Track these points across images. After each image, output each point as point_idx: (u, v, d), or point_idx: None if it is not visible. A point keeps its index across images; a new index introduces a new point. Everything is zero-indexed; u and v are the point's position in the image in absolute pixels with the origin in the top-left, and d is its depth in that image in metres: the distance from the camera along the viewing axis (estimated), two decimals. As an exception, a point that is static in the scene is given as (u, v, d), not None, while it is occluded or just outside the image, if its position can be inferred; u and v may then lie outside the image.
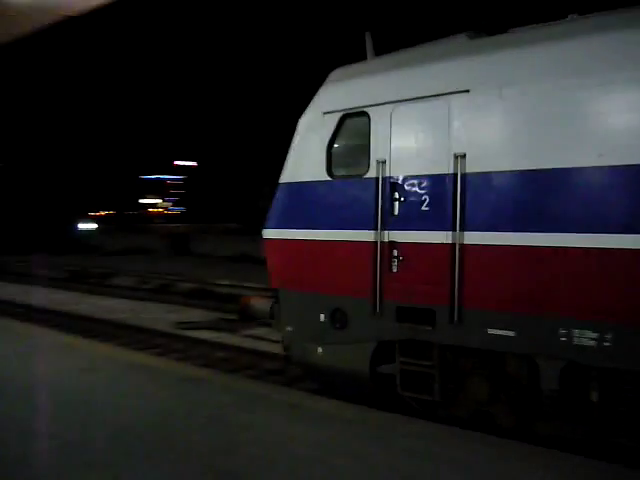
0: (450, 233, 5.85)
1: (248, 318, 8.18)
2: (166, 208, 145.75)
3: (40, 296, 18.29)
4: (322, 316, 6.80)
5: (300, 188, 7.21)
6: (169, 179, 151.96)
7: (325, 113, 6.99)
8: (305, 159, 7.16)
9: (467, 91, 5.92)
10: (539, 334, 5.34)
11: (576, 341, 5.15)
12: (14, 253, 38.00)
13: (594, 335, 5.07)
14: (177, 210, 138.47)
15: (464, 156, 5.83)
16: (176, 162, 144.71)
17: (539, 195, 5.44)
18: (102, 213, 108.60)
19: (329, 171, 6.90)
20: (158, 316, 13.74)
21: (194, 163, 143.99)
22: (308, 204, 7.09)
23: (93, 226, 57.98)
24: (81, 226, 54.41)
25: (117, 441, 5.10)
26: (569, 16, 5.87)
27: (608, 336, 4.98)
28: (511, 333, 5.47)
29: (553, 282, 5.31)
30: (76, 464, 4.61)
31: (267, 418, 5.77)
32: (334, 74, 7.25)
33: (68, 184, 56.85)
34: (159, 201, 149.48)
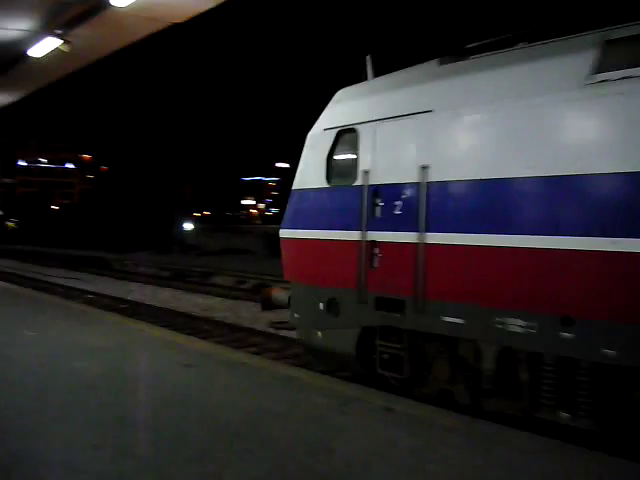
0: (416, 234, 6.73)
1: (270, 307, 9.13)
2: (264, 209, 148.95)
3: (147, 293, 19.15)
4: (321, 305, 7.82)
5: (306, 194, 8.33)
6: (268, 181, 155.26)
7: (325, 129, 8.04)
8: (310, 169, 8.25)
9: (431, 111, 6.79)
10: (480, 322, 6.15)
11: (508, 328, 5.91)
12: (120, 251, 39.95)
13: (522, 323, 5.83)
14: (273, 211, 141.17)
15: (428, 167, 6.68)
16: (277, 164, 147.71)
17: (484, 201, 6.25)
18: (202, 214, 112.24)
19: (328, 179, 7.90)
20: (255, 315, 13.99)
21: (288, 165, 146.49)
22: (311, 208, 8.21)
23: (190, 226, 60.00)
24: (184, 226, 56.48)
25: (216, 437, 5.19)
26: (520, 44, 6.61)
27: (533, 324, 5.75)
28: (461, 321, 6.30)
29: (489, 277, 6.17)
30: (177, 458, 4.73)
31: (362, 421, 5.71)
32: (337, 95, 8.26)
33: (173, 185, 59.17)
34: (257, 202, 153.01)
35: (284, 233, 8.56)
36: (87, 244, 48.17)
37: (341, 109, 8.07)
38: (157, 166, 69.32)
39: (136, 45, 11.56)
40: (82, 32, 10.20)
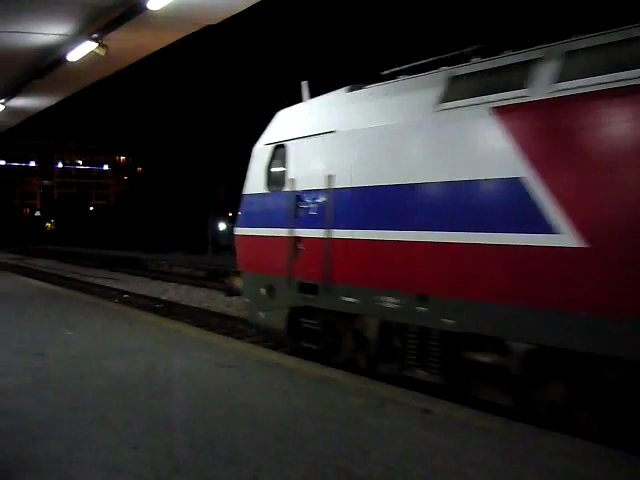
0: (324, 230, 8.24)
1: (232, 294, 11.31)
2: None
3: (182, 292, 19.33)
4: (262, 290, 9.39)
5: (251, 198, 9.94)
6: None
7: (265, 144, 9.64)
8: (254, 177, 9.82)
9: (334, 131, 8.32)
10: (367, 301, 7.62)
11: (385, 305, 7.40)
12: (155, 252, 40.44)
13: (393, 301, 7.29)
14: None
15: (333, 176, 8.18)
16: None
17: (368, 204, 7.71)
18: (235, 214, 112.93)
19: (267, 186, 9.50)
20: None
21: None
22: (255, 210, 9.82)
23: (224, 226, 60.37)
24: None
25: (252, 438, 5.19)
26: (400, 77, 7.98)
27: (399, 301, 7.21)
28: (355, 300, 7.81)
29: (371, 264, 7.65)
30: (214, 459, 4.74)
31: (399, 423, 5.65)
32: (277, 115, 9.79)
33: (207, 186, 59.59)
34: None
35: (237, 231, 10.31)
36: (123, 244, 48.91)
37: (277, 128, 9.64)
38: (191, 167, 70.03)
39: (172, 46, 11.65)
40: (118, 35, 10.29)
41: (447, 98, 6.97)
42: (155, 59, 12.98)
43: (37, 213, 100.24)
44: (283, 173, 9.16)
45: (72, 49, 11.12)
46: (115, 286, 21.53)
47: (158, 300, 17.47)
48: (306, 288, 8.56)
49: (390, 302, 7.34)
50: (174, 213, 59.08)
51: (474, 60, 7.10)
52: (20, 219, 60.55)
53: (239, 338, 10.99)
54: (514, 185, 6.16)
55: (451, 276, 6.70)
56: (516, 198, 6.15)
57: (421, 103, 7.25)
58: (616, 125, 5.53)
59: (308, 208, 8.62)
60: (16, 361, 7.89)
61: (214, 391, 6.64)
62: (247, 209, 10.06)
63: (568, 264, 5.74)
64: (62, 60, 11.87)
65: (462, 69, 7.10)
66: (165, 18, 9.53)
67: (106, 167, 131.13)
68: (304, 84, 9.56)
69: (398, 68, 8.15)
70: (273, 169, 9.44)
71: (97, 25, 10.11)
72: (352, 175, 7.95)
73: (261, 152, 9.72)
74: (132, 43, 11.25)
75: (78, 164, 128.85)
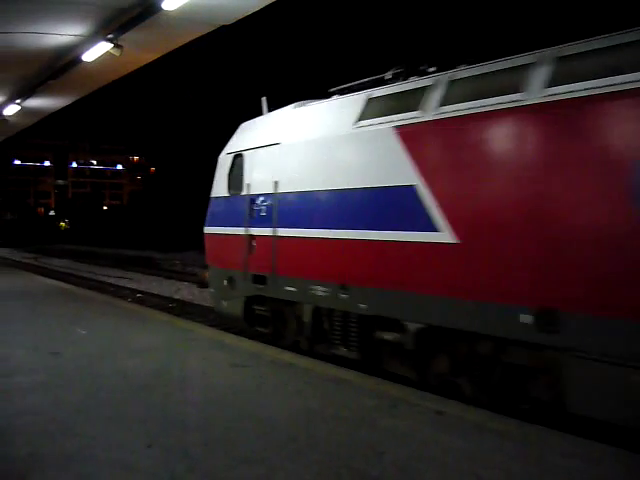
0: (271, 229, 9.46)
1: (204, 286, 12.29)
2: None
3: (195, 292, 19.37)
4: (225, 282, 10.65)
5: (216, 201, 11.21)
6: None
7: (227, 153, 10.90)
8: (219, 181, 11.08)
9: (279, 143, 9.53)
10: (303, 290, 8.80)
11: (316, 293, 8.57)
12: (169, 251, 40.59)
13: (322, 289, 8.48)
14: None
15: (278, 182, 9.37)
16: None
17: (304, 206, 8.88)
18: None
19: (228, 190, 10.73)
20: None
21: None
22: (219, 211, 11.06)
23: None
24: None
25: (266, 438, 5.20)
26: (334, 96, 9.31)
27: (327, 289, 8.40)
28: (294, 289, 8.98)
29: (305, 258, 8.84)
30: (228, 459, 4.75)
31: (412, 424, 5.64)
32: (239, 127, 11.09)
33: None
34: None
35: (205, 230, 11.53)
36: (136, 244, 49.15)
37: (237, 139, 10.91)
38: (204, 166, 70.31)
39: (186, 46, 11.71)
40: (133, 36, 10.35)
41: (363, 117, 8.18)
42: (169, 59, 13.05)
43: (51, 212, 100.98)
44: (241, 179, 10.39)
45: (87, 50, 11.21)
46: (129, 285, 21.65)
47: (171, 299, 17.55)
48: (258, 279, 9.79)
49: (320, 291, 8.55)
50: (187, 213, 59.30)
51: (388, 84, 8.33)
52: (35, 218, 61.06)
53: (251, 338, 10.99)
54: (409, 191, 7.28)
55: (363, 268, 7.95)
56: (410, 202, 7.25)
57: (344, 120, 8.46)
58: (481, 145, 6.66)
59: (259, 210, 9.87)
60: (31, 359, 7.96)
61: (228, 391, 6.65)
62: (213, 210, 11.37)
63: (446, 257, 6.86)
64: (77, 61, 11.97)
65: (376, 92, 8.29)
66: (180, 19, 9.58)
67: (120, 167, 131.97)
68: (263, 99, 10.92)
69: (340, 87, 9.32)
70: (233, 175, 10.67)
71: (112, 26, 10.18)
72: (291, 181, 9.20)
73: (224, 160, 11.02)
74: (147, 44, 11.33)
75: (92, 164, 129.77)
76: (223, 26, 10.14)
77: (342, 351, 8.48)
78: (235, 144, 10.85)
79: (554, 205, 5.94)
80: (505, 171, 6.41)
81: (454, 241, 6.74)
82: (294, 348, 9.21)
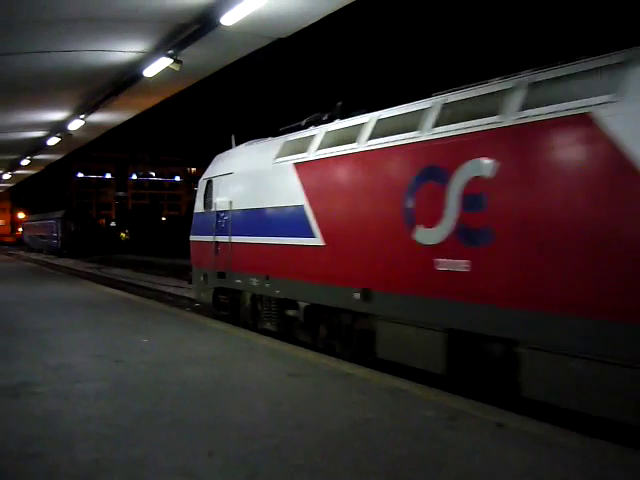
0: (227, 237, 12.60)
1: (190, 283, 15.55)
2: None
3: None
4: (201, 278, 14.13)
5: (197, 215, 14.57)
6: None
7: (203, 179, 14.19)
8: (198, 200, 14.47)
9: (232, 172, 12.79)
10: (245, 282, 11.85)
11: (252, 284, 11.58)
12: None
13: (255, 281, 11.46)
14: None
15: (232, 202, 12.51)
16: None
17: (248, 220, 11.85)
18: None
19: (203, 207, 14.09)
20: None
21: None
22: (198, 223, 14.44)
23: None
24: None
25: (324, 448, 5.20)
26: (269, 137, 12.53)
27: (258, 280, 11.36)
28: (241, 281, 12.09)
29: (246, 258, 11.91)
30: (287, 467, 4.77)
31: (472, 436, 5.55)
32: (214, 158, 14.29)
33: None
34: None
35: (191, 238, 14.81)
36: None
37: (210, 168, 14.17)
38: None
39: (243, 59, 11.93)
40: (192, 51, 10.61)
41: (279, 155, 11.09)
42: (225, 72, 13.29)
43: (112, 223, 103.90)
44: (211, 199, 13.60)
45: (148, 65, 11.54)
46: (186, 295, 22.01)
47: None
48: (220, 275, 12.95)
49: (255, 282, 11.54)
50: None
51: (302, 130, 11.16)
52: (97, 229, 62.83)
53: (307, 348, 11.03)
54: (300, 210, 10.17)
55: (277, 264, 10.88)
56: (301, 217, 10.10)
57: (269, 157, 11.40)
58: (333, 178, 9.68)
59: (221, 222, 12.98)
60: (96, 367, 8.20)
61: (286, 400, 6.70)
62: (195, 223, 14.71)
63: (318, 255, 9.75)
64: (139, 76, 12.33)
65: (289, 137, 11.23)
66: (237, 33, 9.76)
67: (177, 178, 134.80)
68: (232, 137, 14.11)
69: (284, 127, 11.94)
70: (206, 196, 13.92)
71: (172, 42, 10.46)
72: (239, 201, 12.32)
73: (201, 184, 14.32)
74: (205, 58, 11.58)
75: (151, 176, 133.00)
76: (280, 39, 10.28)
77: (268, 325, 11.55)
78: (208, 172, 14.16)
79: (366, 221, 8.88)
80: (344, 197, 9.39)
81: (322, 244, 9.73)
82: (252, 328, 11.93)
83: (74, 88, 14.31)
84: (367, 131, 9.05)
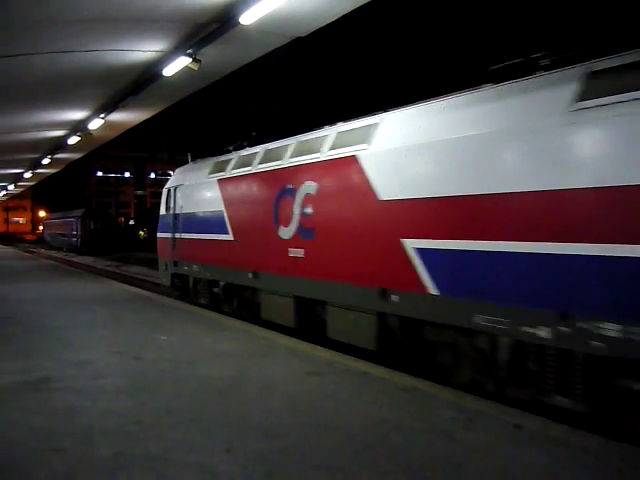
0: (180, 234, 16.08)
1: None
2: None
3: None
4: (163, 266, 17.67)
5: (161, 217, 17.89)
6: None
7: (166, 187, 17.52)
8: (162, 204, 17.68)
9: (182, 184, 16.25)
10: (190, 268, 15.40)
11: (208, 272, 14.48)
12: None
13: (197, 267, 15.01)
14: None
15: (182, 206, 16.05)
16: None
17: (195, 222, 15.14)
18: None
19: (166, 211, 17.36)
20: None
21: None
22: (162, 223, 17.73)
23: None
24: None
25: (342, 447, 5.21)
26: (207, 157, 16.15)
27: (211, 269, 14.31)
28: (187, 268, 15.66)
29: (192, 249, 15.33)
30: (305, 465, 4.80)
31: (491, 438, 5.53)
32: (175, 171, 17.96)
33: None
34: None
35: (157, 235, 18.41)
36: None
37: (171, 178, 17.76)
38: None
39: (261, 58, 11.97)
40: (210, 50, 10.66)
41: (210, 172, 14.66)
42: (241, 71, 13.32)
43: (131, 222, 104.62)
44: (170, 204, 17.10)
45: (167, 65, 11.61)
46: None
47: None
48: (175, 263, 16.56)
49: (195, 268, 15.22)
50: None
51: (229, 153, 14.69)
52: (116, 228, 63.24)
53: (325, 347, 11.03)
54: (220, 213, 13.70)
55: (206, 254, 14.50)
56: (220, 219, 13.61)
57: (204, 173, 14.99)
58: (238, 191, 13.19)
59: (176, 222, 16.51)
60: (115, 363, 8.28)
61: (303, 398, 6.72)
62: (159, 223, 18.25)
63: (231, 247, 13.22)
64: (158, 75, 12.41)
65: (219, 158, 14.81)
66: (256, 32, 9.79)
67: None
68: (189, 154, 17.60)
69: (228, 147, 15.01)
70: (167, 201, 17.35)
71: (192, 41, 10.52)
72: (186, 207, 15.94)
73: (164, 191, 17.80)
74: (223, 57, 11.63)
75: (169, 175, 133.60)
76: (299, 38, 10.30)
77: (203, 300, 15.09)
78: (169, 182, 17.74)
79: (254, 222, 12.38)
80: (244, 205, 12.90)
81: (232, 239, 13.26)
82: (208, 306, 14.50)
83: (94, 87, 14.44)
84: (258, 158, 12.57)
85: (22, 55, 10.80)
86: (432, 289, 7.84)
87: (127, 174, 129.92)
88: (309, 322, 10.79)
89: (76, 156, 28.82)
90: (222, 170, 14.01)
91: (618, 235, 5.69)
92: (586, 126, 6.10)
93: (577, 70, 6.57)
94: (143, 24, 9.92)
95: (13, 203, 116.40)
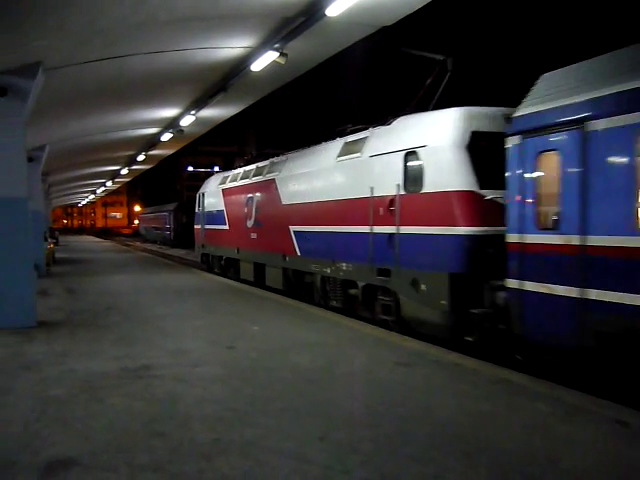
0: (206, 225, 24.55)
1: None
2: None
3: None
4: (197, 248, 26.04)
5: (196, 214, 25.93)
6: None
7: (199, 193, 25.29)
8: (196, 205, 25.63)
9: (207, 191, 24.32)
10: (210, 249, 24.04)
11: (212, 250, 23.85)
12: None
13: (213, 248, 23.71)
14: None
15: (205, 206, 24.31)
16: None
17: (209, 216, 24.34)
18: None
19: (197, 209, 25.57)
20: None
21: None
22: (195, 218, 26.07)
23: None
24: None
25: (435, 438, 5.18)
26: (226, 171, 24.13)
27: (214, 247, 23.68)
28: (213, 249, 23.78)
29: (211, 237, 24.05)
30: (397, 456, 4.80)
31: (591, 433, 5.34)
32: (205, 181, 25.70)
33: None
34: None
35: (194, 227, 26.18)
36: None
37: (204, 185, 24.75)
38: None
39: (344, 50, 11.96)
40: (297, 44, 10.73)
41: (219, 183, 22.32)
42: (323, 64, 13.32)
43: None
44: (199, 205, 24.83)
45: (255, 60, 11.78)
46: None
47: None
48: (202, 246, 24.33)
49: (212, 249, 23.37)
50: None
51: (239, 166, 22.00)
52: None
53: (413, 337, 10.96)
54: (222, 212, 21.60)
55: (217, 239, 22.75)
56: (222, 216, 21.54)
57: (216, 183, 22.95)
58: (235, 197, 20.33)
59: (203, 217, 24.11)
60: (211, 352, 8.56)
61: (394, 388, 6.72)
62: (195, 218, 25.85)
63: (227, 234, 21.07)
64: (246, 71, 12.62)
65: (224, 174, 22.93)
66: (342, 23, 9.77)
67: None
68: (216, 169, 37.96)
69: (241, 163, 22.49)
70: (198, 203, 24.93)
71: (278, 35, 10.62)
72: (208, 207, 23.55)
73: (199, 196, 24.96)
74: (309, 50, 11.68)
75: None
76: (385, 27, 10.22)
77: (215, 270, 22.98)
78: (200, 189, 25.06)
79: (236, 217, 20.08)
80: (233, 206, 20.46)
81: (228, 229, 20.96)
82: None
83: (186, 85, 14.88)
84: (240, 175, 20.16)
85: (119, 57, 11.27)
86: (298, 253, 14.88)
87: (216, 168, 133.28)
88: (260, 277, 17.73)
89: (168, 152, 29.85)
90: (224, 182, 21.78)
91: (366, 222, 11.53)
92: (340, 168, 12.85)
93: (340, 141, 13.40)
94: (232, 21, 10.11)
95: (111, 199, 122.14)
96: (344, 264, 12.42)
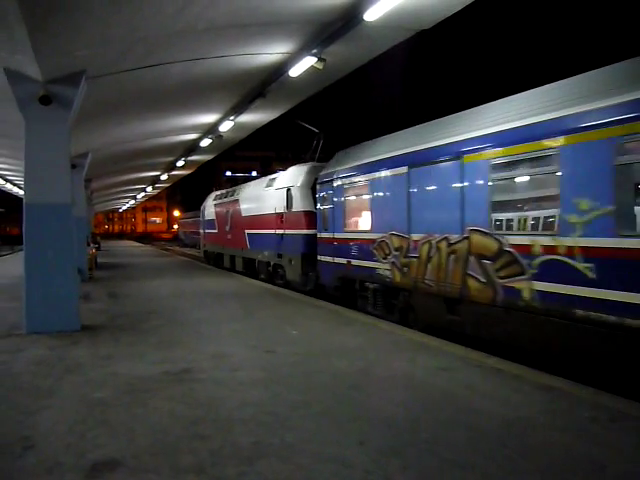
0: (206, 230, 34.88)
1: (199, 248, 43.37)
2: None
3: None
4: (202, 250, 35.76)
5: (202, 221, 35.92)
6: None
7: (201, 205, 36.03)
8: (201, 215, 37.38)
9: (205, 205, 35.20)
10: (210, 248, 33.62)
11: (209, 248, 34.48)
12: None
13: (211, 247, 33.48)
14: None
15: (206, 215, 34.78)
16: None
17: (209, 223, 34.44)
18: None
19: (202, 218, 35.70)
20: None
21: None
22: (203, 224, 35.52)
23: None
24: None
25: (476, 444, 5.13)
26: (223, 189, 34.18)
27: (217, 247, 32.34)
28: (213, 249, 32.72)
29: (209, 238, 35.00)
30: (439, 461, 4.76)
31: (636, 439, 5.22)
32: (206, 199, 35.67)
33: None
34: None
35: (200, 231, 37.90)
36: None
37: (204, 202, 35.06)
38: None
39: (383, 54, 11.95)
40: (335, 49, 10.78)
41: (213, 199, 32.63)
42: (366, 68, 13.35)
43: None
44: (203, 214, 34.59)
45: (293, 65, 11.86)
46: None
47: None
48: (204, 245, 34.60)
49: (210, 247, 32.96)
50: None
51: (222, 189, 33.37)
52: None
53: (453, 341, 10.87)
54: (213, 221, 31.40)
55: (212, 240, 32.29)
56: (213, 223, 31.81)
57: (212, 199, 33.37)
58: (220, 211, 30.09)
59: (205, 224, 34.03)
60: (251, 356, 8.61)
61: (434, 393, 6.67)
62: (201, 225, 35.59)
63: (217, 236, 30.58)
64: (284, 77, 12.71)
65: (216, 193, 33.11)
66: (380, 27, 9.77)
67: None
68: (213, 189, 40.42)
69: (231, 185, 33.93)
70: (202, 213, 35.02)
71: (316, 41, 10.67)
72: (207, 215, 33.26)
73: (202, 207, 35.28)
74: (347, 55, 11.71)
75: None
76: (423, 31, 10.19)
77: (211, 263, 31.50)
78: (203, 203, 34.63)
79: (222, 225, 29.72)
80: (219, 217, 29.97)
81: (217, 232, 30.28)
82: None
83: (225, 91, 15.05)
84: (224, 194, 29.69)
85: (159, 65, 11.46)
86: (249, 247, 24.04)
87: (254, 173, 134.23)
88: (233, 265, 26.66)
89: (207, 158, 30.20)
90: (215, 199, 30.91)
91: (278, 228, 19.89)
92: (265, 195, 21.67)
93: (267, 177, 23.10)
94: (270, 27, 10.20)
95: (151, 204, 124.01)
96: (266, 252, 21.45)
